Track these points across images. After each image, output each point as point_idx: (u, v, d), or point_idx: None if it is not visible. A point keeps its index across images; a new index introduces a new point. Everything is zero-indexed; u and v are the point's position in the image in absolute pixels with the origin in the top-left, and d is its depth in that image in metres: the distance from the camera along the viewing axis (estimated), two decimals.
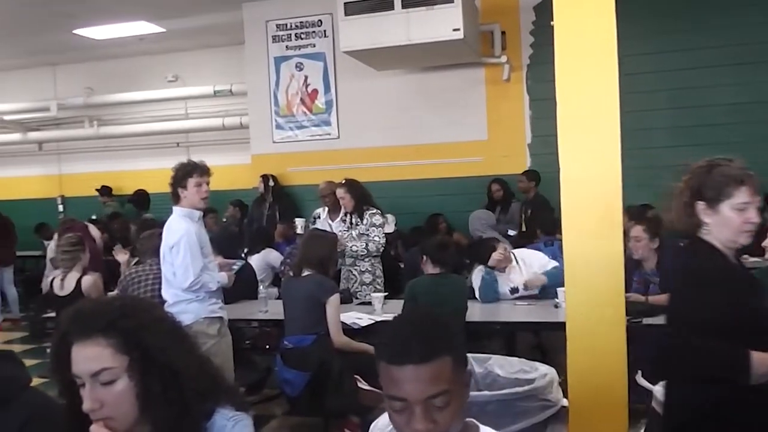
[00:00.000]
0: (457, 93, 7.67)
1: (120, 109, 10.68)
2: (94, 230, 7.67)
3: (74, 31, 9.06)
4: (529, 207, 6.99)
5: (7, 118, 10.96)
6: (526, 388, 2.75)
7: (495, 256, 4.83)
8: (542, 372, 2.88)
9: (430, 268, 4.31)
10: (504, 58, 7.38)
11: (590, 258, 2.74)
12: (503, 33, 7.42)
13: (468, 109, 7.67)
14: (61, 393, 1.50)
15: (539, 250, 5.33)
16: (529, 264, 4.96)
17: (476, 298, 4.84)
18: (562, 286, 3.08)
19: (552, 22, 2.77)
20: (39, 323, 7.90)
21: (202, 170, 4.08)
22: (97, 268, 5.60)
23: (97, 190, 10.26)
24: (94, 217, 9.47)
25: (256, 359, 5.54)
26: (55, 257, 7.60)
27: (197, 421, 1.46)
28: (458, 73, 7.61)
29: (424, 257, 4.33)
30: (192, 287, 3.96)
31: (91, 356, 1.39)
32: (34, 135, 11.14)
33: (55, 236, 8.00)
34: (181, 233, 3.97)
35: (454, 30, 6.21)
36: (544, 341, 5.15)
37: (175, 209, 4.09)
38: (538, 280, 4.85)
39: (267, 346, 5.49)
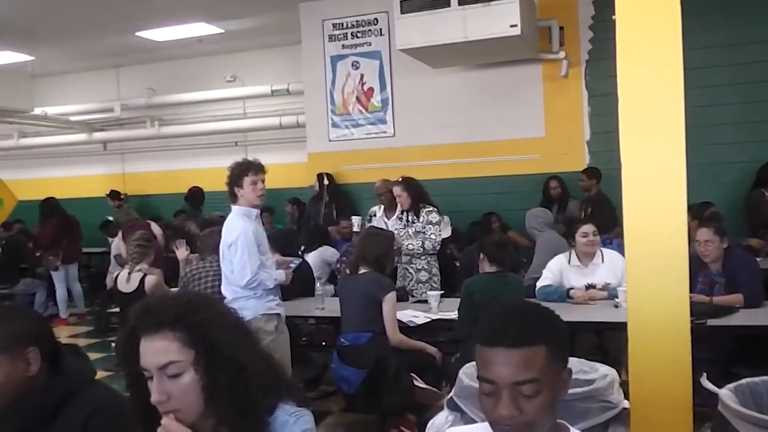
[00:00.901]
0: (513, 90, 7.59)
1: (180, 109, 10.92)
2: (156, 228, 7.85)
3: (137, 34, 9.31)
4: (590, 205, 6.84)
5: (73, 119, 11.33)
6: (585, 388, 2.69)
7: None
8: (602, 373, 2.81)
9: (487, 267, 4.27)
10: (562, 54, 7.27)
11: (653, 257, 2.67)
12: (561, 28, 7.31)
13: (525, 106, 7.58)
14: (128, 385, 1.54)
15: None
16: (614, 266, 4.72)
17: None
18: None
19: (614, 16, 2.71)
20: (103, 318, 8.15)
21: (257, 168, 4.12)
22: (159, 265, 5.73)
23: (107, 195, 10.45)
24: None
25: (313, 356, 5.59)
26: (120, 254, 7.84)
27: (260, 416, 1.48)
28: (515, 70, 7.52)
29: (482, 255, 4.30)
30: (249, 285, 4.02)
31: (158, 350, 1.43)
32: (98, 135, 11.48)
33: (119, 233, 8.24)
34: (239, 232, 4.03)
35: (511, 26, 6.14)
36: (605, 341, 5.05)
37: (234, 208, 4.16)
38: (600, 295, 4.68)
39: (323, 343, 5.54)
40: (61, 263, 8.69)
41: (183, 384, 1.43)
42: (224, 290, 4.18)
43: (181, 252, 5.87)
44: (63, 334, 7.96)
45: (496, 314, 1.37)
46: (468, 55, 7.03)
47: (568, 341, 1.42)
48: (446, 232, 6.23)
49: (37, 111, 10.45)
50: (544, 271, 4.88)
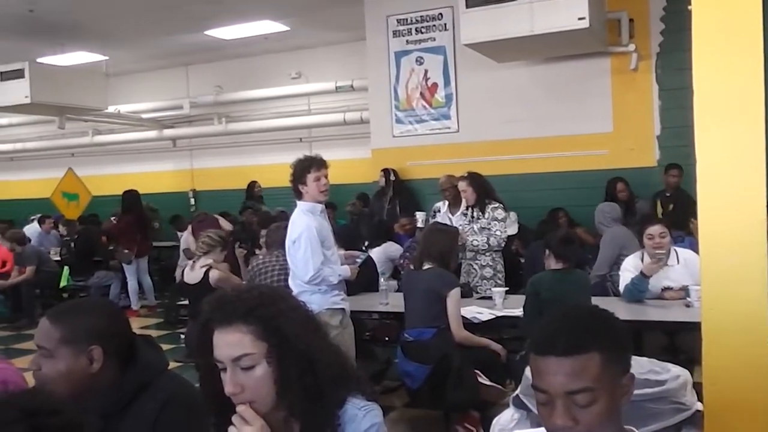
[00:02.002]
0: (580, 84, 7.44)
1: (246, 106, 11.13)
2: (224, 223, 8.02)
3: (205, 33, 9.53)
4: (672, 201, 6.59)
5: (145, 116, 11.67)
6: (657, 389, 2.63)
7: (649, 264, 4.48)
8: (674, 373, 2.74)
9: (553, 263, 4.20)
10: (632, 47, 7.08)
11: (729, 256, 2.58)
12: (631, 20, 7.11)
13: (592, 100, 7.41)
14: (201, 376, 1.57)
15: None
16: (690, 266, 4.48)
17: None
18: None
19: (689, 6, 2.62)
20: (173, 310, 8.37)
21: (320, 164, 4.15)
22: (226, 259, 5.85)
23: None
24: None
25: (377, 351, 5.62)
26: (189, 248, 8.04)
27: (330, 409, 1.49)
28: (582, 64, 7.37)
29: (547, 252, 4.23)
30: (312, 281, 4.07)
31: (232, 342, 1.45)
32: (168, 132, 11.80)
33: (189, 228, 8.45)
34: (302, 229, 4.08)
35: (580, 19, 6.00)
36: (676, 341, 4.91)
37: (299, 204, 4.21)
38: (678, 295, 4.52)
39: (387, 338, 5.55)
40: (134, 256, 8.98)
41: (256, 376, 1.45)
42: (291, 284, 4.24)
43: (238, 251, 5.94)
44: (134, 326, 8.12)
45: (548, 322, 1.34)
46: (534, 49, 6.93)
47: (630, 345, 1.36)
48: (512, 230, 6.16)
49: (111, 109, 10.80)
50: (622, 273, 4.70)
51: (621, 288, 4.64)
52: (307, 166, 4.14)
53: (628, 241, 5.34)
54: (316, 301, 4.01)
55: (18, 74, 8.91)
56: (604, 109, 7.38)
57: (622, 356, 1.32)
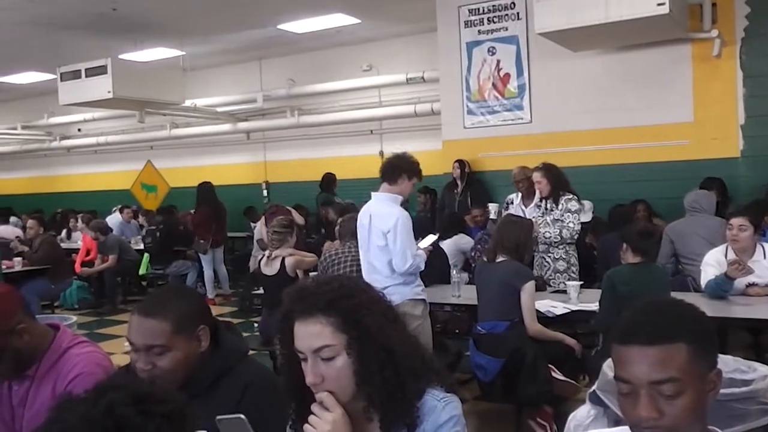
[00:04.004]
0: (659, 72, 7.20)
1: (318, 98, 11.25)
2: (297, 216, 8.13)
3: (278, 27, 9.66)
4: None
5: (220, 110, 11.94)
6: (743, 389, 2.53)
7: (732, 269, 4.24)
8: (762, 373, 2.63)
9: (630, 257, 4.10)
10: (714, 33, 6.80)
11: None
12: (714, 5, 6.83)
13: (672, 88, 7.16)
14: (282, 365, 1.60)
15: None
16: None
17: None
18: None
19: None
20: (247, 299, 8.56)
21: (420, 177, 4.31)
22: (300, 250, 5.93)
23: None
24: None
25: (448, 343, 5.61)
26: (262, 238, 8.20)
27: (410, 400, 1.50)
28: (661, 51, 7.12)
29: (624, 245, 4.13)
30: (408, 270, 4.10)
31: (312, 333, 1.47)
32: (242, 125, 12.04)
33: (262, 218, 8.62)
34: (395, 219, 4.10)
35: (659, 5, 5.80)
36: (762, 340, 4.72)
37: (383, 195, 4.24)
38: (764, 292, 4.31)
39: (457, 331, 5.53)
40: (209, 247, 9.23)
41: (336, 367, 1.47)
42: (369, 276, 4.17)
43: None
44: None
45: (633, 312, 1.30)
46: (611, 37, 6.74)
47: (716, 341, 1.31)
48: (586, 217, 6.03)
49: (188, 103, 11.09)
50: (704, 267, 4.50)
51: (702, 283, 4.47)
52: (417, 172, 4.26)
53: (680, 236, 5.13)
54: (399, 292, 4.04)
55: (101, 70, 9.25)
56: (684, 98, 7.13)
57: (709, 351, 1.27)
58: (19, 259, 8.27)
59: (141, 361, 1.81)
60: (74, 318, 5.56)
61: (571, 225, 5.27)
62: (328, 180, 9.74)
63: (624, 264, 4.14)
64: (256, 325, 6.83)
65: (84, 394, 1.13)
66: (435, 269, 5.17)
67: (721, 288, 4.25)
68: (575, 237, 5.34)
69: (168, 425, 1.09)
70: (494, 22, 8.04)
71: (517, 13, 7.88)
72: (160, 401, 1.12)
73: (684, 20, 6.62)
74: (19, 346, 2.06)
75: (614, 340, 1.27)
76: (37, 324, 2.18)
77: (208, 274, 9.33)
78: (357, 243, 4.46)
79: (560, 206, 5.31)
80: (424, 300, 4.25)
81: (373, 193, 4.39)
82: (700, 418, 1.25)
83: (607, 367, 2.57)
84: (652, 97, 7.22)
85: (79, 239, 10.25)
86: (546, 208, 5.40)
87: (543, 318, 4.25)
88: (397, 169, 4.21)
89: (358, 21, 9.48)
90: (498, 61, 8.04)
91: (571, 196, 5.34)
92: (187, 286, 2.45)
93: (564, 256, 5.31)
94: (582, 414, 2.71)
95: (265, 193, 12.32)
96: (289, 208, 8.35)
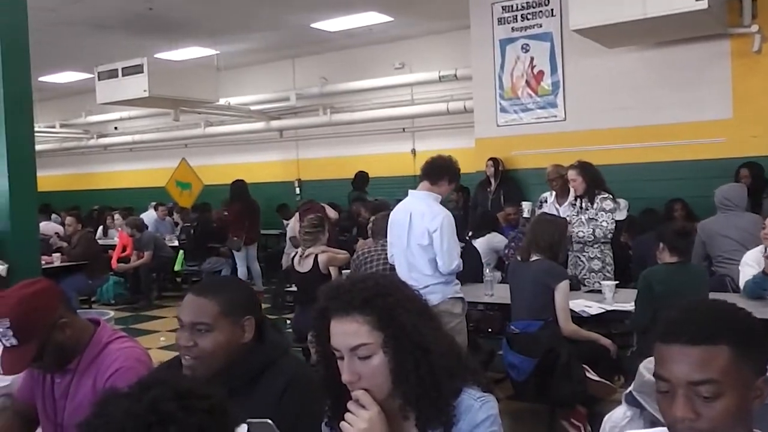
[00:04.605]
0: (696, 68, 7.07)
1: (351, 96, 11.27)
2: (330, 211, 8.16)
3: (311, 25, 9.71)
4: None
5: (253, 108, 12.04)
6: None
7: None
8: None
9: (667, 257, 4.04)
10: (754, 28, 6.65)
11: None
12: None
13: (709, 85, 7.02)
14: (318, 362, 1.61)
15: None
16: None
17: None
18: None
19: None
20: (280, 296, 8.62)
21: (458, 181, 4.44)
22: (332, 247, 5.96)
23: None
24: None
25: (480, 342, 5.58)
26: (295, 236, 8.23)
27: (446, 399, 1.49)
28: (699, 47, 7.00)
29: (661, 245, 4.07)
30: (454, 270, 4.11)
31: (349, 332, 1.48)
32: (275, 123, 12.12)
33: (295, 216, 8.67)
34: (441, 218, 4.12)
35: (697, 0, 5.72)
36: None
37: (424, 193, 4.25)
38: None
39: (489, 330, 5.50)
40: (242, 244, 9.30)
41: (372, 365, 1.47)
42: (407, 274, 4.10)
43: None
44: None
45: (676, 310, 1.28)
46: (647, 33, 6.63)
47: (766, 345, 1.26)
48: (620, 216, 5.95)
49: (222, 101, 11.20)
50: (742, 267, 4.41)
51: (741, 284, 4.38)
52: (457, 178, 4.33)
53: (711, 236, 5.02)
54: (439, 291, 4.05)
55: (137, 69, 9.38)
56: (722, 95, 6.99)
57: (757, 355, 1.23)
58: (57, 254, 8.43)
59: (184, 337, 1.85)
60: (111, 313, 5.65)
61: (605, 224, 5.21)
62: (361, 178, 9.76)
63: (660, 264, 4.09)
64: (288, 321, 6.88)
65: (128, 389, 1.16)
66: (468, 268, 5.15)
67: (761, 286, 4.16)
68: (609, 236, 5.28)
69: (209, 420, 1.11)
70: (528, 19, 7.98)
71: (551, 10, 7.80)
72: (202, 397, 1.14)
73: (723, 15, 6.50)
74: (61, 340, 2.11)
75: (656, 338, 1.26)
76: (78, 318, 2.22)
77: (241, 270, 9.42)
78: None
79: (595, 205, 5.25)
80: (462, 298, 4.26)
81: (411, 191, 4.38)
82: (741, 424, 1.22)
83: (644, 368, 2.54)
84: (689, 94, 7.09)
85: (116, 236, 10.42)
86: (580, 207, 5.34)
87: (577, 318, 4.21)
88: (443, 171, 4.23)
89: (391, 19, 9.48)
90: (531, 59, 7.98)
91: (606, 195, 5.28)
92: (243, 281, 2.52)
93: (599, 255, 5.25)
94: (618, 415, 2.68)
95: (297, 191, 12.39)
96: (323, 204, 8.38)
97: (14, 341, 2.03)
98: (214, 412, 1.12)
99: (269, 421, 1.55)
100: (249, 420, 1.49)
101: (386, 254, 4.67)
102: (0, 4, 4.74)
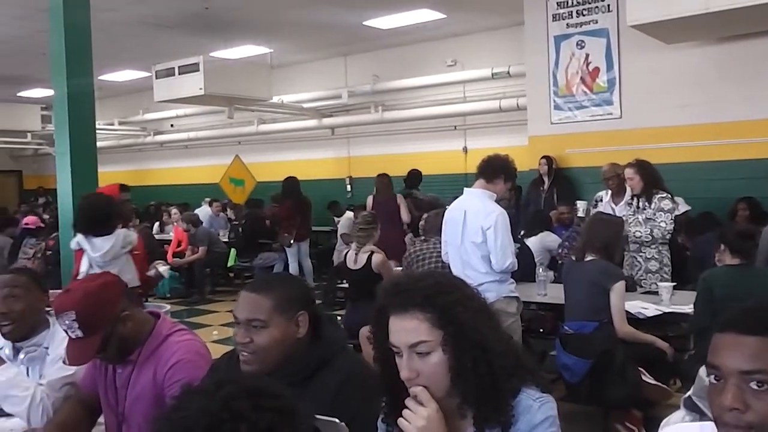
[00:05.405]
0: (761, 63, 6.83)
1: (402, 94, 11.27)
2: (403, 207, 8.19)
3: (364, 23, 9.73)
4: None
5: (305, 106, 12.14)
6: None
7: None
8: None
9: (728, 259, 3.93)
10: None
11: None
12: None
13: None
14: (376, 359, 1.61)
15: None
16: None
17: None
18: None
19: None
20: (330, 293, 8.68)
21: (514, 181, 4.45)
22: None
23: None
24: None
25: (532, 342, 5.52)
26: (346, 233, 8.28)
27: (504, 398, 1.48)
28: (763, 42, 6.77)
29: (722, 246, 3.96)
30: (508, 268, 4.09)
31: (408, 329, 1.48)
32: (327, 121, 12.20)
33: (346, 213, 8.73)
34: (496, 216, 4.11)
35: None
36: None
37: (479, 191, 4.24)
38: None
39: (541, 330, 5.44)
40: (294, 240, 9.39)
41: (431, 363, 1.47)
42: (461, 272, 4.12)
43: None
44: None
45: (742, 305, 1.25)
46: (709, 28, 6.44)
47: None
48: (683, 208, 5.82)
49: (275, 99, 11.32)
50: None
51: None
52: (513, 178, 4.35)
53: None
54: (494, 289, 4.05)
55: (193, 68, 9.55)
56: None
57: None
58: None
59: (240, 334, 1.88)
60: (167, 306, 5.76)
61: (663, 225, 5.10)
62: (414, 176, 9.75)
63: (721, 266, 3.98)
64: (339, 318, 6.93)
65: (203, 386, 1.20)
66: (521, 267, 5.10)
67: None
68: (667, 237, 5.17)
69: (280, 419, 1.13)
70: (583, 15, 7.85)
71: (608, 5, 7.65)
72: (273, 396, 1.16)
73: None
74: (123, 332, 2.17)
75: (715, 330, 1.24)
76: (139, 311, 2.28)
77: (293, 267, 9.50)
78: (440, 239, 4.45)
79: (653, 205, 5.14)
80: (517, 297, 4.25)
81: (466, 189, 4.38)
82: None
83: (703, 372, 2.47)
84: (753, 91, 6.87)
85: (172, 231, 10.64)
86: (638, 207, 5.24)
87: (633, 319, 4.13)
88: (499, 170, 4.22)
89: (444, 16, 9.43)
90: (587, 55, 7.84)
91: (664, 195, 5.16)
92: (297, 277, 2.59)
93: (656, 256, 5.14)
94: (676, 419, 2.62)
95: (348, 188, 12.45)
96: (400, 195, 8.36)
97: (80, 333, 2.09)
98: (284, 412, 1.14)
99: (337, 420, 1.56)
100: (317, 417, 1.50)
101: (438, 252, 4.67)
102: (65, 6, 4.89)
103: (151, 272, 5.15)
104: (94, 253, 4.61)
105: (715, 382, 1.20)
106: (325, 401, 1.77)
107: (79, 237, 4.69)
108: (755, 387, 1.15)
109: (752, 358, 1.15)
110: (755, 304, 1.24)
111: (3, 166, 17.89)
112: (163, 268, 5.01)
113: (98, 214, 4.68)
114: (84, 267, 4.67)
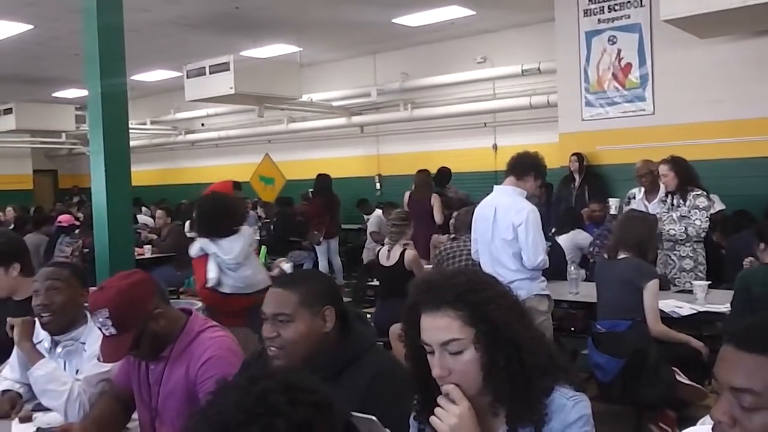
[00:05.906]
0: None
1: (432, 92, 11.24)
2: (436, 206, 8.16)
3: (393, 21, 9.72)
4: None
5: (335, 104, 12.17)
6: None
7: None
8: None
9: (767, 257, 3.85)
10: None
11: None
12: None
13: None
14: (408, 356, 1.60)
15: None
16: None
17: None
18: None
19: None
20: (361, 290, 8.68)
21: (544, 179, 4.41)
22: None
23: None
24: None
25: (563, 340, 5.47)
26: (375, 230, 8.28)
27: (537, 396, 1.47)
28: None
29: (762, 244, 3.87)
30: (540, 265, 4.06)
31: (440, 326, 1.47)
32: (356, 119, 12.22)
33: (376, 210, 8.73)
34: (527, 212, 4.09)
35: None
36: None
37: (510, 188, 4.22)
38: None
39: (573, 328, 5.39)
40: (323, 238, 9.42)
41: (463, 361, 1.46)
42: (492, 269, 4.10)
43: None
44: None
45: (760, 316, 1.21)
46: (745, 22, 6.31)
47: None
48: (717, 207, 5.73)
49: (304, 98, 11.36)
50: None
51: None
52: (544, 175, 4.34)
53: None
54: (525, 287, 4.02)
55: (224, 67, 9.62)
56: None
57: None
58: (148, 246, 8.75)
59: (267, 329, 1.90)
60: (199, 303, 5.82)
61: (698, 222, 5.01)
62: (443, 174, 9.71)
63: (760, 265, 3.90)
64: (369, 315, 6.94)
65: (238, 381, 1.20)
66: (552, 265, 5.05)
67: None
68: (702, 235, 5.08)
69: (315, 414, 1.13)
70: (615, 10, 7.75)
71: (640, 0, 7.55)
72: (309, 390, 1.16)
73: None
74: (156, 329, 2.19)
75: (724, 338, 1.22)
76: (171, 308, 2.30)
77: (322, 264, 9.54)
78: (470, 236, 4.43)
79: (688, 202, 5.06)
80: (548, 295, 4.22)
81: (496, 186, 4.35)
82: None
83: None
84: None
85: None
86: (672, 204, 5.15)
87: (666, 318, 4.08)
88: (529, 167, 4.20)
89: (473, 13, 9.39)
90: (619, 51, 7.75)
91: (699, 192, 5.07)
92: (323, 273, 2.61)
93: (691, 255, 5.05)
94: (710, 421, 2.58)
95: (377, 186, 12.46)
96: (435, 195, 8.34)
97: (113, 330, 2.12)
98: (320, 406, 1.14)
99: (374, 418, 1.56)
100: (354, 414, 1.50)
101: (468, 250, 4.64)
102: (98, 6, 4.95)
103: (275, 271, 4.92)
104: (225, 256, 4.27)
105: (717, 390, 1.19)
106: (356, 399, 1.76)
107: (202, 242, 4.36)
108: (744, 404, 1.12)
109: (744, 375, 1.12)
110: (763, 317, 1.21)
111: (39, 165, 18.20)
112: (286, 266, 4.92)
113: (222, 214, 4.40)
114: (213, 273, 4.32)
